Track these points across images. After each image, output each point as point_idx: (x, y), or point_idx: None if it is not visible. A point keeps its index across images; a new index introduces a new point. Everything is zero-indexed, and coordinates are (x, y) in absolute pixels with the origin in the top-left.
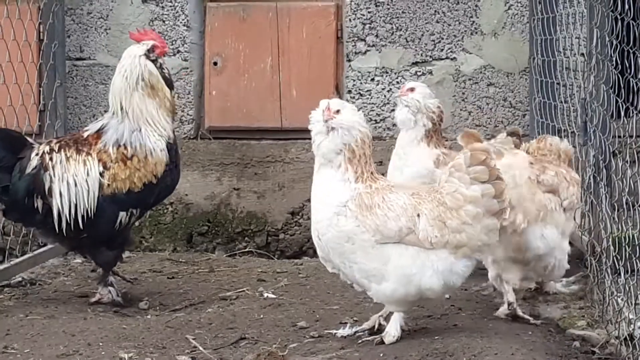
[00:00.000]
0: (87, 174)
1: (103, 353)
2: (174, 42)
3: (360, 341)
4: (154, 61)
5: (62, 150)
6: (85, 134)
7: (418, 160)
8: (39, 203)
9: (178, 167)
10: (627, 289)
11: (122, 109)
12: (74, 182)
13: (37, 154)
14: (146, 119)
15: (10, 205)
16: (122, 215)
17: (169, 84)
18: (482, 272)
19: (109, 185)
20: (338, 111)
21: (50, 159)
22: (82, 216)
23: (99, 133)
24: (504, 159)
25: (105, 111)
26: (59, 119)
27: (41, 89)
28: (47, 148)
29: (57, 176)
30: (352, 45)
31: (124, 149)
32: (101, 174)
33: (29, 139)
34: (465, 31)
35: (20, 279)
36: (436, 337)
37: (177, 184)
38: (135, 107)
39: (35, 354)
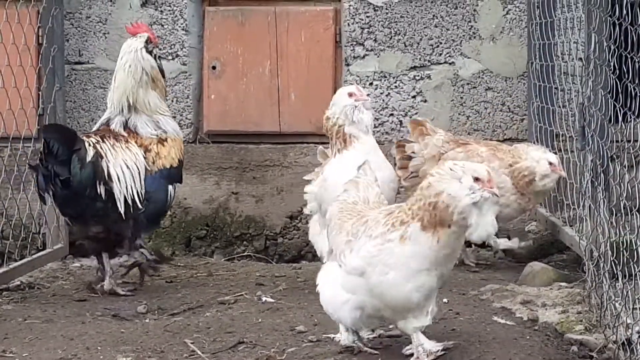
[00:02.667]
0: (135, 158)
1: (101, 357)
2: (172, 46)
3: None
4: (150, 52)
5: (106, 140)
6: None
7: (387, 166)
8: (101, 189)
9: None
10: (625, 293)
11: (129, 104)
12: (125, 165)
13: (90, 145)
14: (155, 110)
15: (71, 197)
16: (171, 189)
17: (162, 73)
18: (481, 276)
19: (154, 162)
20: None
21: (101, 147)
22: (139, 195)
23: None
24: None
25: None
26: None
27: (40, 93)
28: (93, 140)
29: (112, 162)
30: (351, 50)
31: (159, 133)
32: (145, 156)
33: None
34: (464, 36)
35: (18, 282)
36: None
37: None
38: (142, 100)
39: (33, 358)
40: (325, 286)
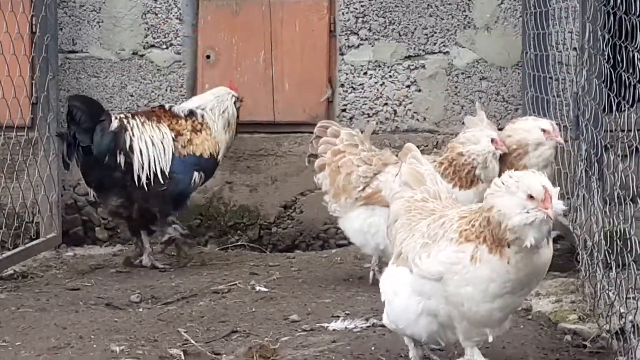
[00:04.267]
0: (163, 137)
1: (94, 346)
2: (166, 36)
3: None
4: (238, 109)
5: (136, 117)
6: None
7: None
8: (121, 159)
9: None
10: (619, 282)
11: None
12: (151, 141)
13: (116, 118)
14: (219, 138)
15: (92, 164)
16: (196, 175)
17: (236, 128)
18: None
19: (184, 147)
20: None
21: (128, 122)
22: (162, 171)
23: (172, 111)
24: None
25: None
26: (51, 112)
27: (34, 82)
28: (121, 115)
29: (137, 136)
30: (345, 39)
31: (196, 121)
32: (174, 139)
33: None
34: (458, 25)
35: (12, 271)
36: None
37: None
38: (216, 125)
39: (26, 347)
40: (393, 295)
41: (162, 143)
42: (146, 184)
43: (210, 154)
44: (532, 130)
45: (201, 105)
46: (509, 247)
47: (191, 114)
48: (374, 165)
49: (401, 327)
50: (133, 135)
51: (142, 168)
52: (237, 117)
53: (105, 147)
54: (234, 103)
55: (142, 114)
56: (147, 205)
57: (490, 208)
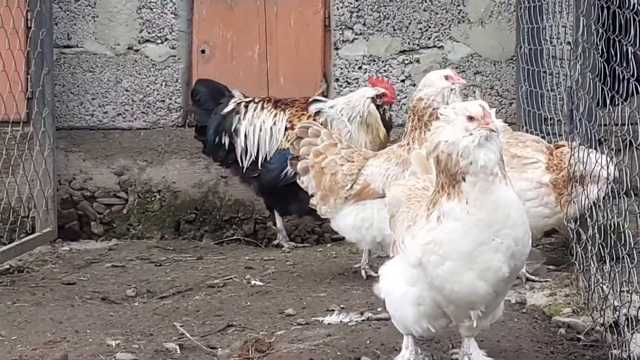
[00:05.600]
0: (274, 123)
1: (90, 340)
2: (161, 30)
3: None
4: (378, 105)
5: (262, 102)
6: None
7: None
8: (225, 140)
9: None
10: (612, 276)
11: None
12: (260, 127)
13: (234, 102)
14: (356, 140)
15: (207, 142)
16: (289, 168)
17: (387, 127)
18: None
19: (287, 140)
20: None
21: (245, 106)
22: (264, 156)
23: (308, 105)
24: None
25: (93, 99)
26: (46, 107)
27: (29, 77)
28: (247, 99)
29: (247, 120)
30: (340, 34)
31: (317, 118)
32: (285, 131)
33: (229, 89)
34: (453, 20)
35: (7, 266)
36: None
37: None
38: (352, 129)
39: (22, 341)
40: (387, 286)
41: (270, 129)
42: (247, 167)
43: None
44: (435, 81)
45: (336, 105)
46: (464, 180)
47: (317, 113)
48: (356, 162)
49: (397, 319)
50: (243, 119)
51: (245, 152)
52: (383, 114)
53: (212, 127)
54: (376, 101)
55: (277, 101)
56: (247, 187)
57: (437, 145)
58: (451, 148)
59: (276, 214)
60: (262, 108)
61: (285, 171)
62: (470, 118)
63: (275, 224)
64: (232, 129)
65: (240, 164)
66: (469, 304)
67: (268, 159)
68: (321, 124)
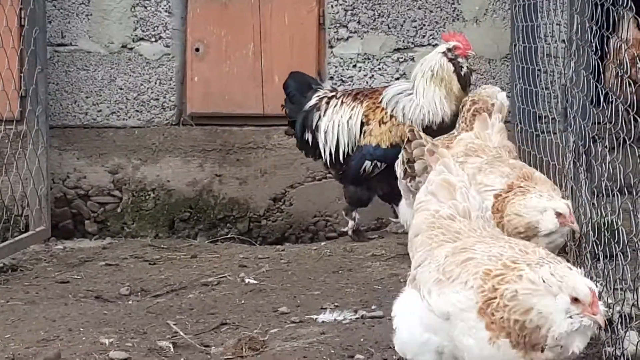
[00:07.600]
0: (350, 117)
1: (84, 338)
2: (155, 28)
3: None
4: (452, 59)
5: (343, 97)
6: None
7: None
8: (308, 136)
9: None
10: (606, 274)
11: (413, 86)
12: (338, 122)
13: (317, 96)
14: (427, 101)
15: (297, 137)
16: (367, 164)
17: (463, 81)
18: None
19: (364, 136)
20: None
21: (327, 102)
22: (344, 152)
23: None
24: None
25: (87, 97)
26: (40, 105)
27: (22, 75)
28: (331, 94)
29: (327, 116)
30: (334, 32)
31: (385, 111)
32: (362, 125)
33: (318, 81)
34: (447, 17)
35: (1, 265)
36: None
37: None
38: (420, 88)
39: (15, 340)
40: (402, 322)
41: (347, 123)
42: (329, 161)
43: (391, 144)
44: (545, 213)
45: (404, 88)
46: (542, 351)
47: (387, 104)
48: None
49: (409, 357)
50: (324, 114)
51: (325, 148)
52: (459, 69)
53: (299, 124)
54: (448, 55)
55: (357, 92)
56: (339, 180)
57: (528, 310)
58: (544, 323)
59: (395, 207)
60: (342, 103)
61: (364, 166)
62: (576, 300)
63: (396, 216)
64: (314, 126)
65: (323, 159)
66: None
67: (342, 156)
68: (391, 115)
